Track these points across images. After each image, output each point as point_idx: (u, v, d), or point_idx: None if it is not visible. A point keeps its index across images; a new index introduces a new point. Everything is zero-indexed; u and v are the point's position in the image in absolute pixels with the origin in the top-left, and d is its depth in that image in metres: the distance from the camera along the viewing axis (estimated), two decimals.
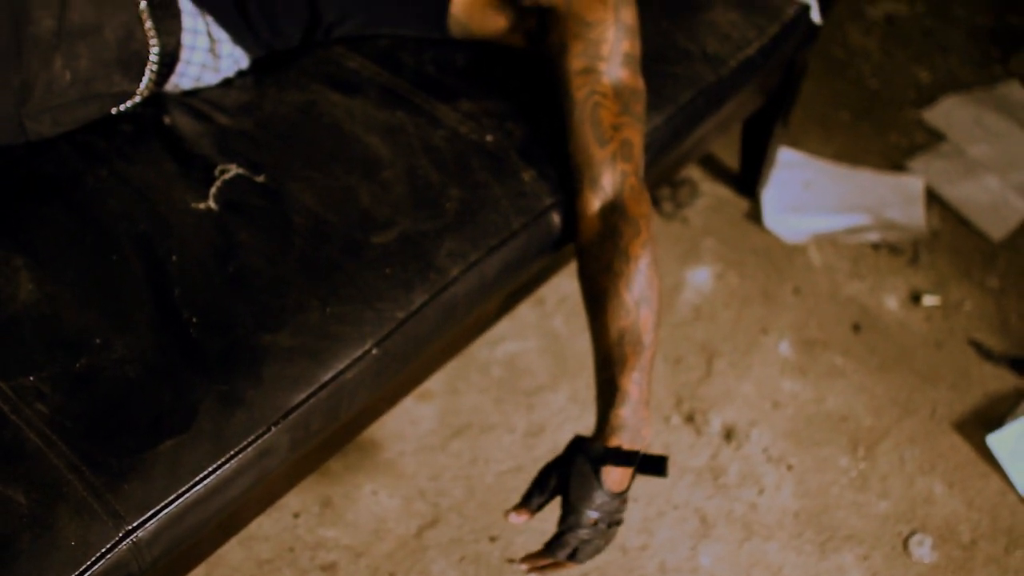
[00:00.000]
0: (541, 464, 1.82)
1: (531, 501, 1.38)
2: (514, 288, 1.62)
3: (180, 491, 1.19)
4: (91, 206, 1.40)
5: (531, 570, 1.43)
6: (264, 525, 1.77)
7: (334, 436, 1.45)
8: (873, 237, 2.33)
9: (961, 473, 1.96)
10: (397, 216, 1.43)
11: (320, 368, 1.30)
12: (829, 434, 1.99)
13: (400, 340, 1.37)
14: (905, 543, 1.85)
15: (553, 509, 1.42)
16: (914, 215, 2.37)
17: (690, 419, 1.99)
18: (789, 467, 1.94)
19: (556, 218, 1.53)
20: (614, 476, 1.35)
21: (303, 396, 1.28)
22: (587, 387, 2.01)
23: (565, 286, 2.16)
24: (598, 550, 1.39)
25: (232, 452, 1.23)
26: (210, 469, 1.21)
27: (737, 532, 1.85)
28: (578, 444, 1.37)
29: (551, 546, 1.37)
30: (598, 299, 1.43)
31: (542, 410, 1.98)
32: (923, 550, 1.84)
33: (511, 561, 1.38)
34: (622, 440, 1.36)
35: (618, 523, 1.39)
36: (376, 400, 1.47)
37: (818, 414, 2.02)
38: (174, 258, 1.35)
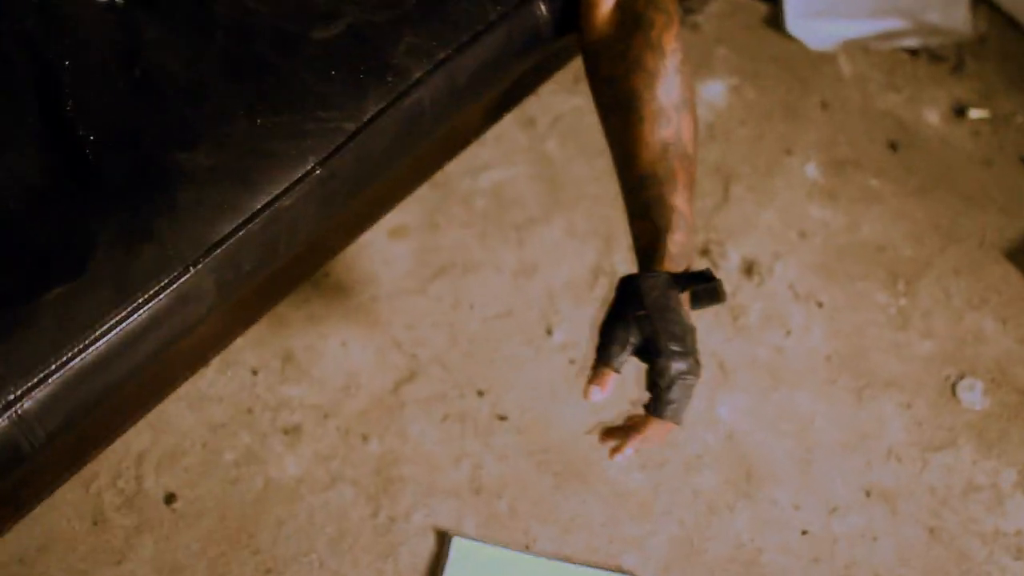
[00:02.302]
0: (534, 308, 1.78)
1: (612, 360, 1.14)
2: (494, 98, 1.46)
3: (74, 350, 1.06)
4: None
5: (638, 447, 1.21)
6: (216, 384, 1.69)
7: (278, 278, 1.31)
8: (911, 43, 2.20)
9: (1015, 307, 1.88)
10: (343, 5, 1.27)
11: (249, 192, 1.16)
12: (864, 267, 1.90)
13: (350, 158, 1.22)
14: (953, 388, 1.78)
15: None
16: (958, 17, 2.23)
17: (705, 252, 1.89)
18: (819, 305, 1.85)
19: (543, 6, 1.35)
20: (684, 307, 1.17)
21: (229, 228, 1.14)
22: (584, 219, 1.90)
23: (559, 103, 2.04)
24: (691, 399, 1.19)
25: (140, 299, 1.09)
26: (112, 321, 1.07)
27: (761, 380, 1.76)
28: (636, 281, 1.16)
29: (656, 406, 1.15)
30: (627, 105, 1.25)
31: (534, 246, 1.87)
32: (973, 395, 1.77)
33: (614, 452, 1.16)
34: (680, 268, 1.18)
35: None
36: (327, 233, 1.32)
37: (851, 244, 1.92)
38: (68, 62, 1.21)
